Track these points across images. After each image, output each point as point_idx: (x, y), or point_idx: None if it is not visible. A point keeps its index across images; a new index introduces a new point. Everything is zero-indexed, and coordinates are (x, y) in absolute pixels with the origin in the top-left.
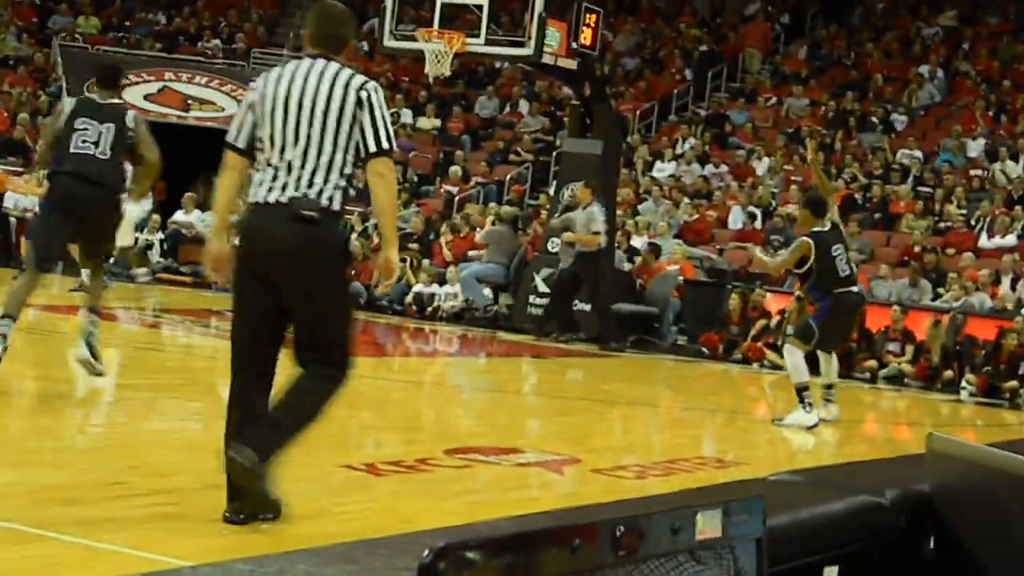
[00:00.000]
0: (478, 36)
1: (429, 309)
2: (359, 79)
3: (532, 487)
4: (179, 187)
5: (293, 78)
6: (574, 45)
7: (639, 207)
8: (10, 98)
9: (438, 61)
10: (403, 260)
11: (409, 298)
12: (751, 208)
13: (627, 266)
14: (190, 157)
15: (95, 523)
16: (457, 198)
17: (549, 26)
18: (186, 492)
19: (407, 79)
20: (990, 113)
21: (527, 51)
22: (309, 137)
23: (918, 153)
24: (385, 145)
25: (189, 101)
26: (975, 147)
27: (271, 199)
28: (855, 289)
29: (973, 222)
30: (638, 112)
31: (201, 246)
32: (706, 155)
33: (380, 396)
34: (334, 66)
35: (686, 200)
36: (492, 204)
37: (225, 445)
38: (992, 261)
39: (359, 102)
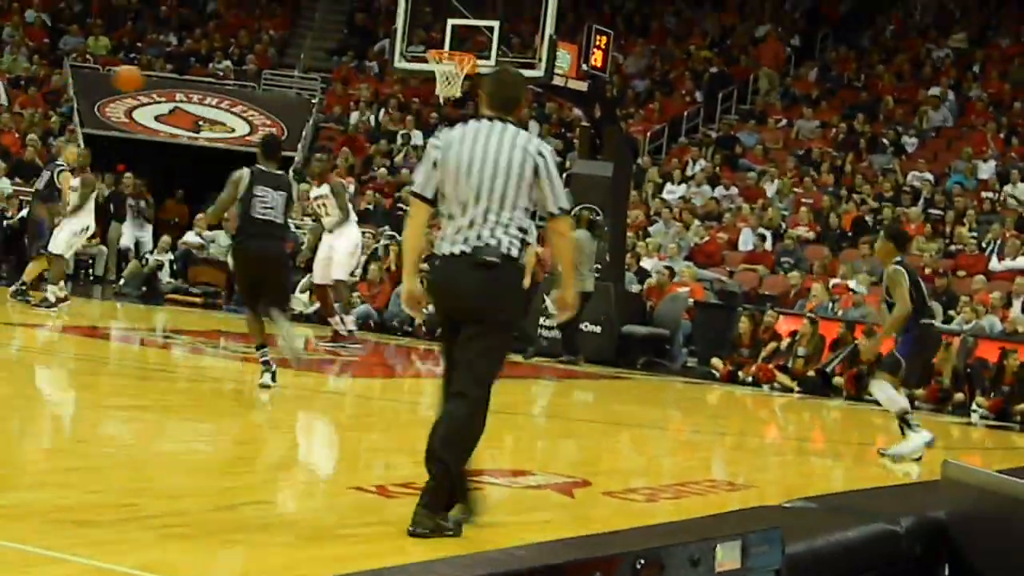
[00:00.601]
0: (489, 57)
1: (439, 331)
2: (535, 143)
3: (543, 509)
4: (189, 207)
5: (475, 140)
6: (584, 67)
7: (649, 229)
8: (22, 119)
9: (449, 83)
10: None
11: (419, 320)
12: (761, 230)
13: (637, 288)
14: (201, 177)
15: (106, 544)
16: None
17: (560, 48)
18: (196, 514)
19: (417, 100)
20: (1001, 135)
21: (538, 73)
22: (490, 196)
23: (929, 175)
24: (562, 206)
25: (200, 122)
26: (986, 169)
27: (456, 251)
28: (934, 321)
29: (984, 245)
30: (648, 134)
31: (211, 267)
32: (716, 177)
33: (390, 418)
34: (512, 129)
35: (696, 222)
36: None
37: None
38: (1003, 284)
39: (536, 168)
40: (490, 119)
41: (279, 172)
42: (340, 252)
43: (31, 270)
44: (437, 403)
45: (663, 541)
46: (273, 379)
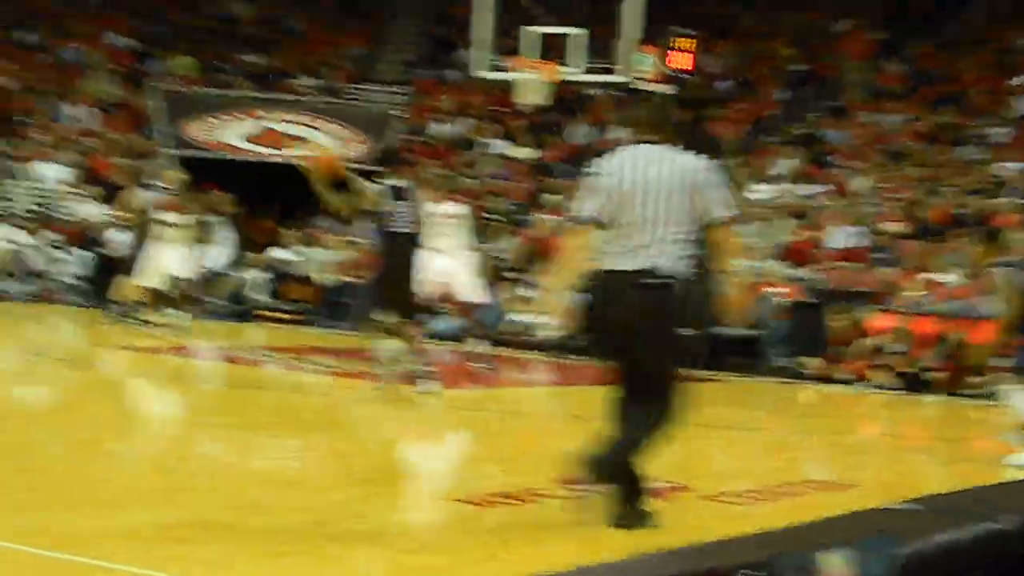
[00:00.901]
0: (570, 64)
1: (529, 339)
2: (698, 162)
3: None
4: (277, 224)
5: (635, 164)
6: (667, 70)
7: (737, 229)
8: (109, 142)
9: (531, 90)
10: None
11: (509, 328)
12: (850, 227)
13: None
14: (287, 195)
15: (206, 562)
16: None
17: (642, 51)
18: (295, 530)
19: (500, 108)
20: None
21: (620, 78)
22: (655, 216)
23: (1018, 165)
24: (722, 214)
25: (285, 139)
26: None
27: (624, 269)
28: None
29: None
30: (733, 134)
31: (301, 283)
32: (803, 175)
33: (483, 428)
34: (672, 151)
35: (784, 221)
36: None
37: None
38: None
39: (697, 183)
40: (645, 142)
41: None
42: (471, 275)
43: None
44: (604, 414)
45: (770, 550)
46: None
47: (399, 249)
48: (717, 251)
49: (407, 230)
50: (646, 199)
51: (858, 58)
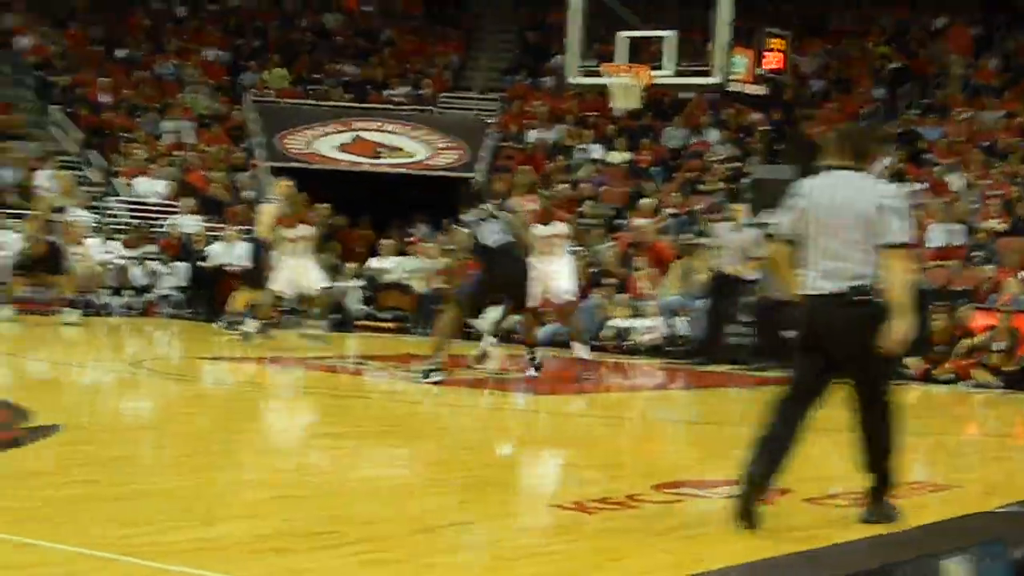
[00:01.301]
0: (664, 67)
1: (626, 343)
2: (886, 188)
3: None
4: (373, 234)
5: (833, 188)
6: (761, 71)
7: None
8: (206, 156)
9: (625, 95)
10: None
11: (606, 332)
12: (950, 225)
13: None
14: (383, 204)
15: (306, 573)
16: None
17: (735, 53)
18: (394, 538)
19: (595, 114)
20: None
21: (714, 79)
22: (848, 238)
23: None
24: (897, 239)
25: (380, 149)
26: None
27: (823, 289)
28: None
29: None
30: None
31: (398, 292)
32: (901, 173)
33: (583, 433)
34: (864, 178)
35: None
36: (683, 235)
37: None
38: None
39: (883, 208)
40: (842, 168)
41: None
42: (567, 278)
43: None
44: (767, 420)
45: (883, 556)
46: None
47: (502, 259)
48: (888, 275)
49: (507, 240)
50: (834, 221)
51: (961, 50)
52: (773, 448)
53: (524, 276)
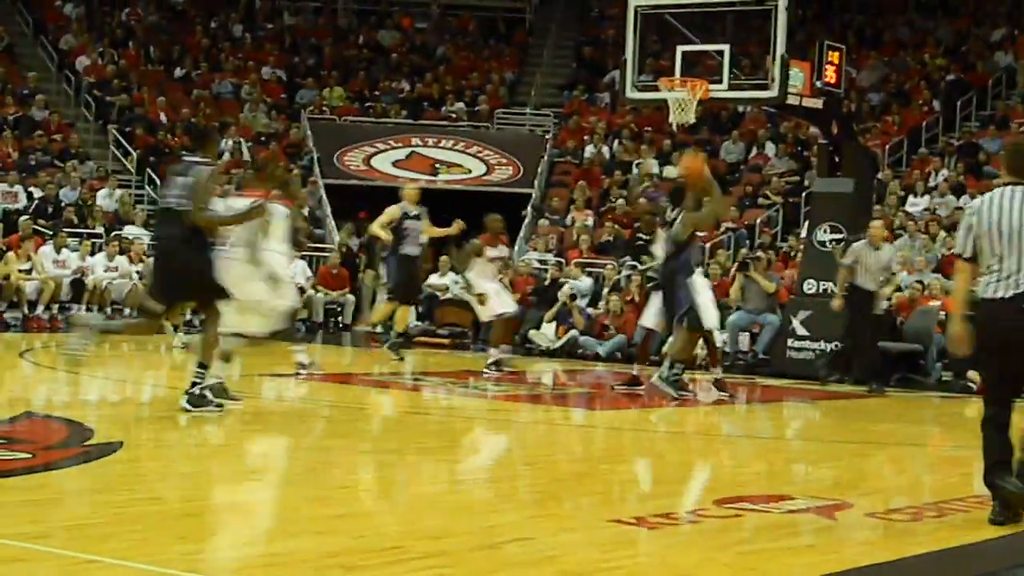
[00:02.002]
0: (720, 81)
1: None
2: None
3: (805, 534)
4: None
5: (1000, 204)
6: (818, 84)
7: (895, 243)
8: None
9: (682, 109)
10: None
11: (665, 348)
12: None
13: (885, 304)
14: (441, 219)
15: None
16: (708, 244)
17: (792, 66)
18: (459, 554)
19: (651, 129)
20: None
21: (771, 93)
22: (1019, 249)
23: None
24: None
25: (437, 165)
26: None
27: (998, 296)
28: None
29: None
30: (887, 147)
31: (456, 308)
32: (961, 186)
33: (643, 448)
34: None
35: (943, 233)
36: (743, 250)
37: (989, 475)
38: None
39: None
40: (1009, 184)
41: None
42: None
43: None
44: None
45: (972, 570)
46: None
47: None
48: None
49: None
50: (1004, 234)
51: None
52: (1005, 461)
53: None
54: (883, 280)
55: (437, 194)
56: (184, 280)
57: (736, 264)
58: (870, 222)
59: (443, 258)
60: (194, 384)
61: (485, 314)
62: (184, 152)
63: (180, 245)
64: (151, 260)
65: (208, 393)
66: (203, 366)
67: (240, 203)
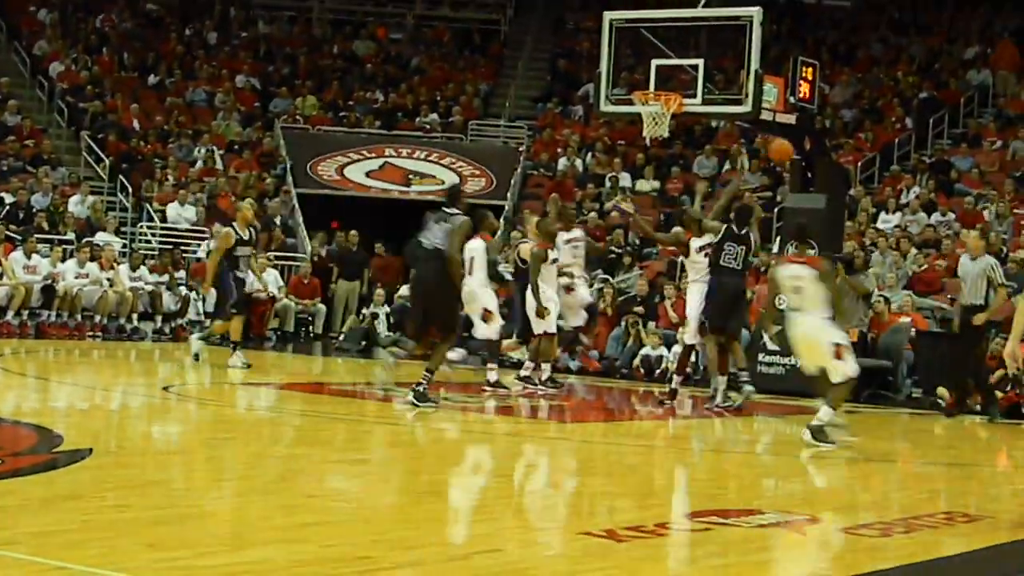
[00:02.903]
0: (694, 96)
1: (657, 371)
2: None
3: (775, 549)
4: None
5: None
6: (791, 99)
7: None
8: (237, 182)
9: (656, 123)
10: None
11: (637, 361)
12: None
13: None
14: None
15: None
16: (680, 259)
17: (766, 82)
18: (431, 564)
19: (624, 142)
20: None
21: (745, 108)
22: None
23: None
24: None
25: (410, 176)
26: None
27: None
28: None
29: None
30: (859, 163)
31: None
32: (932, 203)
33: (614, 461)
34: None
35: (914, 250)
36: None
37: None
38: None
39: None
40: None
41: None
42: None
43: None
44: None
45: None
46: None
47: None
48: None
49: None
50: None
51: (1012, 65)
52: None
53: None
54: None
55: (410, 205)
56: (443, 306)
57: None
58: (967, 232)
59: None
60: (419, 384)
61: (539, 327)
62: (443, 206)
63: (442, 280)
64: (409, 290)
65: (426, 393)
66: (431, 371)
67: (475, 244)
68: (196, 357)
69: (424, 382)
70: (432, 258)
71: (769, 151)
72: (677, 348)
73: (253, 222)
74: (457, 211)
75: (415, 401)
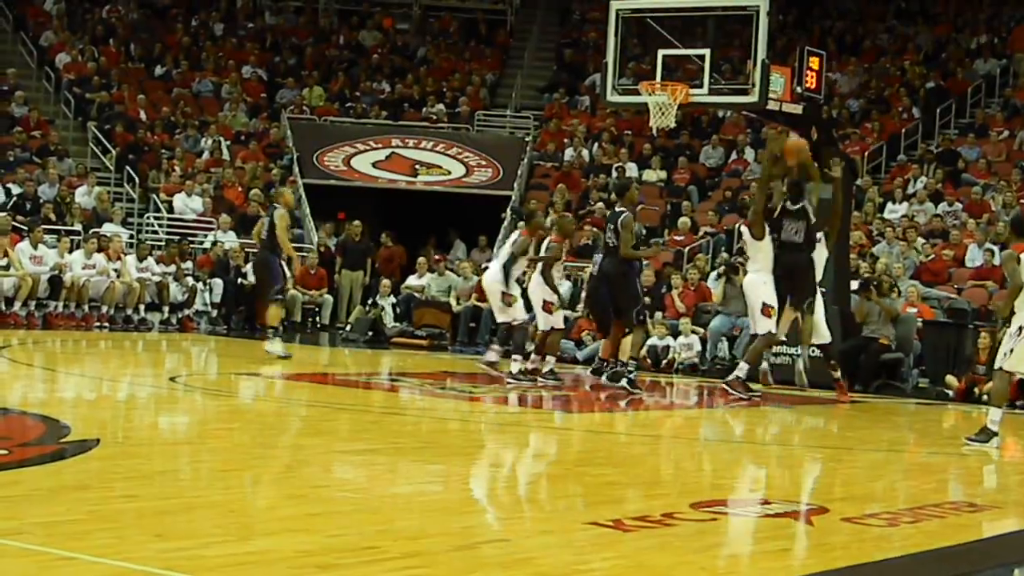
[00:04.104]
0: (701, 86)
1: (664, 361)
2: None
3: (782, 538)
4: (411, 251)
5: None
6: (798, 89)
7: (873, 249)
8: (243, 173)
9: (662, 113)
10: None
11: (644, 351)
12: (988, 245)
13: None
14: (420, 221)
15: None
16: (687, 249)
17: (772, 72)
18: (435, 554)
19: (631, 132)
20: None
21: (751, 98)
22: None
23: None
24: None
25: (417, 166)
26: None
27: None
28: None
29: None
30: (866, 153)
31: (434, 309)
32: (939, 193)
33: (621, 451)
34: None
35: (921, 240)
36: (723, 254)
37: None
38: None
39: None
40: None
41: None
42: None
43: None
44: None
45: (965, 567)
46: None
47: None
48: None
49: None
50: None
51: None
52: None
53: None
54: None
55: (416, 195)
56: (620, 297)
57: (721, 268)
58: None
59: (421, 260)
60: (623, 365)
61: (545, 322)
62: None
63: (618, 273)
64: (590, 286)
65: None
66: (634, 359)
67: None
68: (284, 356)
69: (630, 372)
70: (609, 253)
71: (785, 151)
72: (683, 339)
73: (292, 207)
74: (623, 209)
75: (607, 381)
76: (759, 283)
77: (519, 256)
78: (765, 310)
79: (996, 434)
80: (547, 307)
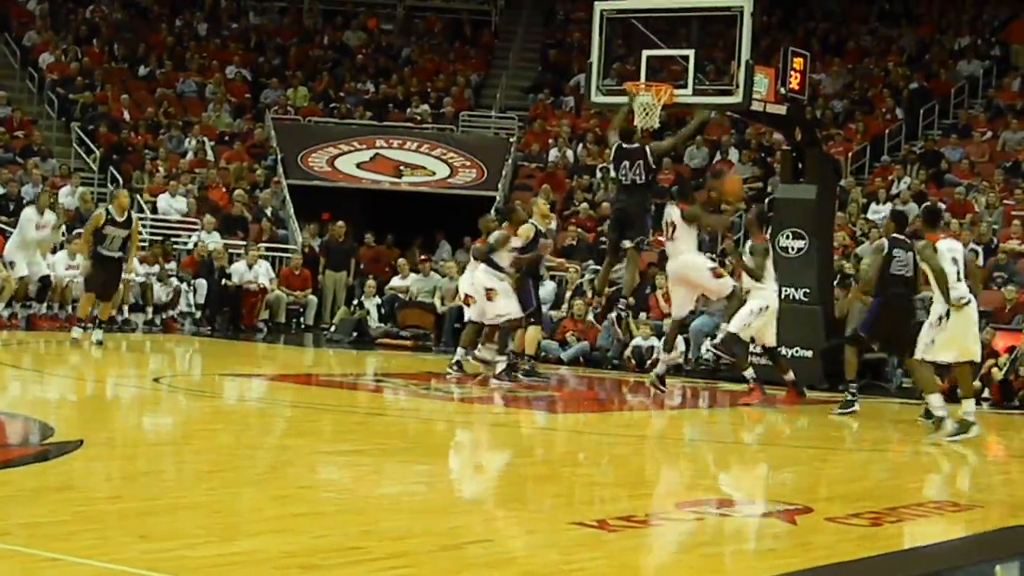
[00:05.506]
0: (685, 86)
1: (648, 362)
2: None
3: (766, 538)
4: (391, 252)
5: None
6: (782, 90)
7: (856, 250)
8: (227, 173)
9: (646, 114)
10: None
11: (627, 352)
12: (972, 245)
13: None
14: (404, 222)
15: None
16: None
17: (756, 72)
18: (422, 554)
19: None
20: None
21: (736, 99)
22: None
23: None
24: None
25: (401, 167)
26: None
27: None
28: None
29: None
30: (850, 154)
31: (419, 309)
32: (922, 194)
33: (605, 451)
34: None
35: None
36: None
37: None
38: None
39: None
40: None
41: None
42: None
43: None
44: None
45: (945, 563)
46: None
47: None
48: None
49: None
50: None
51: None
52: None
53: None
54: None
55: (401, 196)
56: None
57: None
58: None
59: (401, 260)
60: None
61: (490, 311)
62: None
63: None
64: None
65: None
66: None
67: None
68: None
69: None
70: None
71: (722, 189)
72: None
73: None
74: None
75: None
76: (695, 256)
77: (498, 248)
78: (715, 271)
79: (969, 422)
80: (489, 295)
